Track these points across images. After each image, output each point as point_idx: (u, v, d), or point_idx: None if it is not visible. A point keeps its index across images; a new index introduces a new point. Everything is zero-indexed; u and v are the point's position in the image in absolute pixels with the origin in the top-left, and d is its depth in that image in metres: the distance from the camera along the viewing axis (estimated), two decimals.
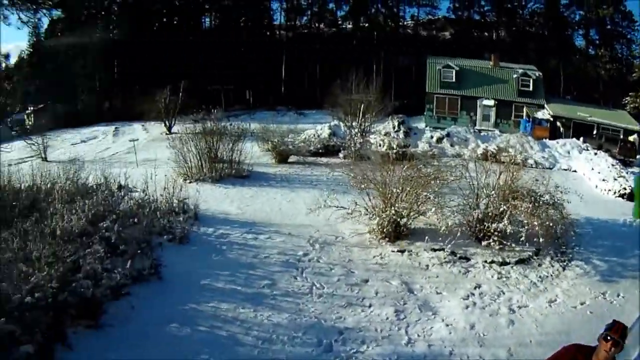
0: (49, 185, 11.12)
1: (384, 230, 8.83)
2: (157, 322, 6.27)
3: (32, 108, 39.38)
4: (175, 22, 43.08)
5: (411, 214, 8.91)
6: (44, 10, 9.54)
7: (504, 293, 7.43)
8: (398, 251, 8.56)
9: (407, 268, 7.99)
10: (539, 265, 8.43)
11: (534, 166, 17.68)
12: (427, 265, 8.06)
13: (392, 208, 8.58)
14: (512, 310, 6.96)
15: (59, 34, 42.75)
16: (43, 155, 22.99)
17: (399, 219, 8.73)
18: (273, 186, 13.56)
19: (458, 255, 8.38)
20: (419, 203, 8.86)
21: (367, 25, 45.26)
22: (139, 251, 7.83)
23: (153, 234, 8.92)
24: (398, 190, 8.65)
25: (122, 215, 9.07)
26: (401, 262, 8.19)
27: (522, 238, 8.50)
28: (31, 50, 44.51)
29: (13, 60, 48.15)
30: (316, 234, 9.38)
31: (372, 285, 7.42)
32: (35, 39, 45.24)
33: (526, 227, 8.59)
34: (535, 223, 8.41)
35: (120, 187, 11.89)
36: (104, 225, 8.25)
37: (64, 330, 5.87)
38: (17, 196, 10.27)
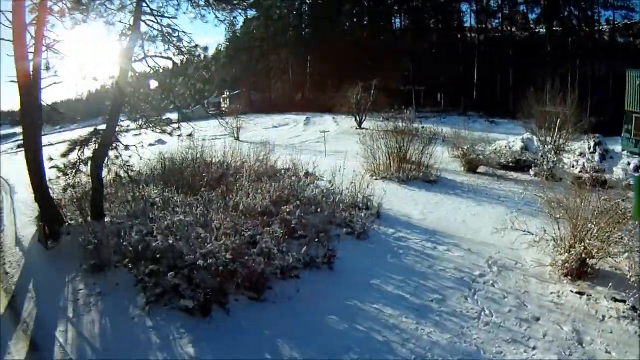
0: (238, 164, 12.10)
1: (568, 266, 7.74)
2: (318, 311, 6.34)
3: (228, 93, 45.30)
4: (365, 23, 44.40)
5: (600, 253, 7.63)
6: (240, 10, 10.89)
7: None
8: (577, 293, 7.33)
9: (583, 314, 6.76)
10: None
11: None
12: (604, 317, 6.70)
13: (582, 244, 7.43)
14: None
15: (254, 31, 48.08)
16: (235, 135, 25.32)
17: (587, 258, 7.54)
18: (459, 195, 12.79)
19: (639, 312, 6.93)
20: (610, 242, 7.53)
21: (560, 29, 40.24)
22: (316, 239, 7.93)
23: (333, 225, 9.00)
24: (592, 225, 7.47)
25: (305, 202, 9.34)
26: (578, 306, 6.99)
27: None
28: (227, 44, 51.45)
29: (211, 52, 56.68)
30: (496, 256, 8.61)
31: (542, 325, 6.42)
32: (231, 35, 52.26)
33: None
34: None
35: (307, 174, 12.29)
36: (287, 209, 8.58)
37: (227, 296, 6.26)
38: (207, 169, 11.38)
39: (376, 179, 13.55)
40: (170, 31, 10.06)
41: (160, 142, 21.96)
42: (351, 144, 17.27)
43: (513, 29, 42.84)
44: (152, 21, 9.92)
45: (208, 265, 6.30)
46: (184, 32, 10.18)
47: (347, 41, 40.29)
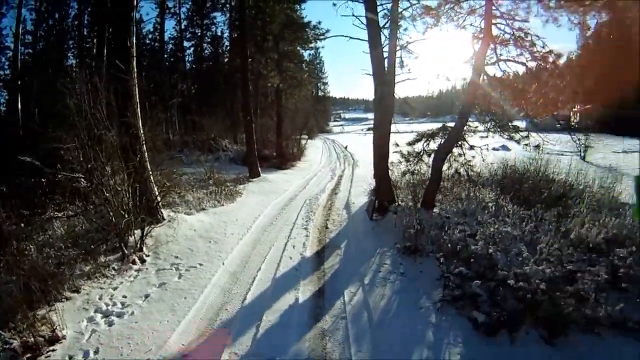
0: (581, 187, 10.73)
1: None
2: None
3: (578, 107, 40.06)
4: None
5: None
6: (594, 12, 8.95)
7: None
8: None
9: None
10: None
11: None
12: None
13: None
14: None
15: (609, 36, 40.32)
16: (582, 154, 23.12)
17: None
18: None
19: None
20: None
21: None
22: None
23: None
24: None
25: None
26: None
27: None
28: (579, 52, 44.79)
29: (563, 59, 51.39)
30: None
31: None
32: (583, 41, 45.23)
33: None
34: None
35: None
36: (619, 252, 6.87)
37: (520, 325, 5.66)
38: (547, 185, 10.62)
39: None
40: (522, 35, 9.72)
41: (504, 147, 21.96)
42: None
43: None
44: (503, 24, 9.84)
45: (517, 287, 5.91)
46: (537, 36, 9.66)
47: None
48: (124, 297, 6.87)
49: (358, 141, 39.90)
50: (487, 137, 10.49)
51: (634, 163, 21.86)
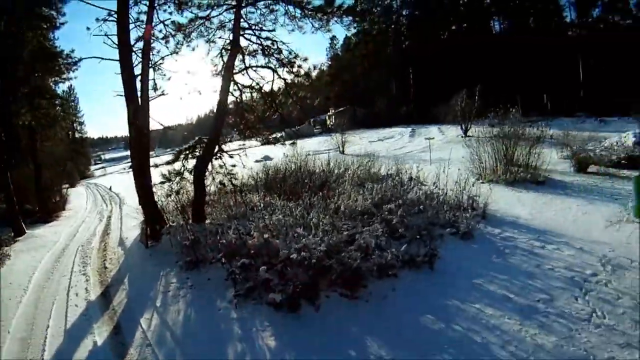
0: (341, 170, 12.30)
1: None
2: (413, 310, 5.97)
3: (332, 110, 46.90)
4: (464, 28, 43.06)
5: None
6: (336, 19, 10.82)
7: None
8: None
9: None
10: None
11: None
12: None
13: None
14: None
15: (352, 49, 49.35)
16: (341, 149, 25.93)
17: None
18: (569, 195, 11.79)
19: None
20: None
21: None
22: (417, 237, 7.74)
23: (436, 225, 8.75)
24: None
25: (408, 203, 9.21)
26: None
27: None
28: (329, 63, 53.77)
29: (314, 73, 60.78)
30: (610, 254, 7.61)
31: None
32: (332, 53, 53.98)
33: None
34: None
35: (410, 179, 12.23)
36: (387, 207, 8.46)
37: (318, 292, 6.12)
38: (310, 177, 11.62)
39: (482, 182, 13.03)
40: (270, 44, 10.60)
41: (267, 158, 23.44)
42: (456, 151, 16.87)
43: (616, 19, 38.30)
44: (251, 34, 10.54)
45: (301, 259, 6.25)
46: (282, 41, 10.68)
47: (448, 49, 39.63)
48: None
49: (121, 180, 38.43)
50: (244, 144, 11.12)
51: (388, 147, 26.65)
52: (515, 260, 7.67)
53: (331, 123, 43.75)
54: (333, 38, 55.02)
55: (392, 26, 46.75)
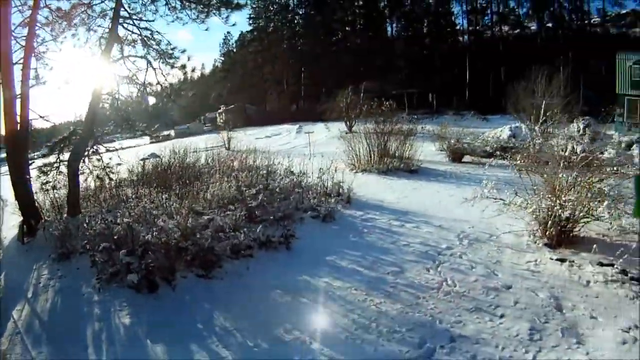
0: (217, 163, 12.71)
1: (546, 232, 7.08)
2: (265, 286, 6.36)
3: (223, 107, 46.94)
4: (359, 27, 45.18)
5: (578, 212, 6.81)
6: (215, 11, 10.66)
7: None
8: (557, 259, 6.74)
9: (563, 281, 6.15)
10: None
11: None
12: (589, 282, 6.06)
13: (557, 200, 6.74)
14: None
15: (248, 44, 50.04)
16: (227, 146, 26.16)
17: (562, 214, 6.76)
18: (440, 181, 12.90)
19: (630, 275, 6.12)
20: (590, 197, 6.73)
21: (551, 25, 41.38)
22: (277, 220, 8.26)
23: (300, 210, 9.24)
24: (570, 180, 6.80)
25: (272, 190, 9.68)
26: (557, 273, 6.38)
27: None
28: (222, 58, 53.70)
29: (208, 69, 59.06)
30: (469, 230, 8.26)
31: (513, 292, 5.91)
32: (226, 49, 54.30)
33: None
34: None
35: (286, 170, 12.45)
36: (249, 193, 8.93)
37: (174, 272, 6.45)
38: (185, 171, 12.02)
39: (356, 172, 13.99)
40: (149, 34, 10.58)
41: (154, 155, 22.73)
42: (338, 147, 17.55)
43: (504, 27, 43.66)
44: (130, 23, 10.41)
45: (159, 241, 6.56)
46: (157, 32, 10.77)
47: (341, 49, 41.91)
48: None
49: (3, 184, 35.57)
50: (119, 136, 11.00)
51: (273, 143, 27.52)
52: (371, 239, 8.27)
53: (221, 120, 43.28)
54: (228, 33, 55.95)
55: (288, 24, 47.79)
